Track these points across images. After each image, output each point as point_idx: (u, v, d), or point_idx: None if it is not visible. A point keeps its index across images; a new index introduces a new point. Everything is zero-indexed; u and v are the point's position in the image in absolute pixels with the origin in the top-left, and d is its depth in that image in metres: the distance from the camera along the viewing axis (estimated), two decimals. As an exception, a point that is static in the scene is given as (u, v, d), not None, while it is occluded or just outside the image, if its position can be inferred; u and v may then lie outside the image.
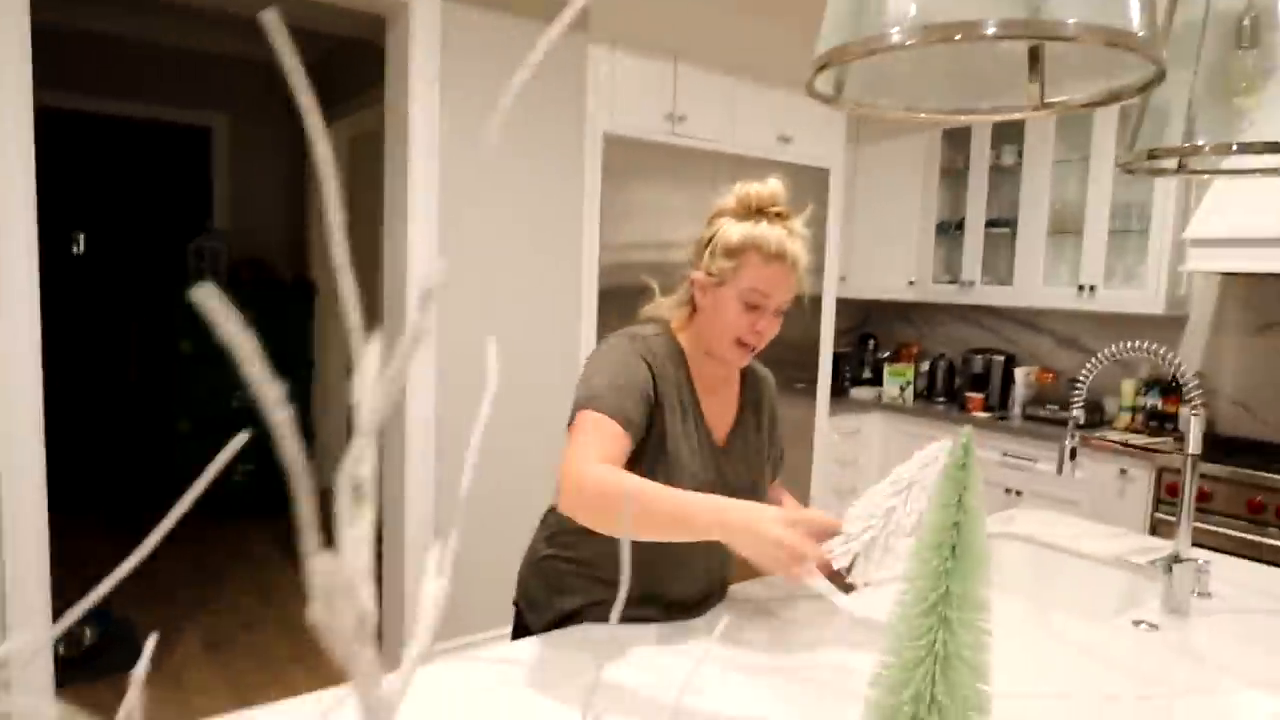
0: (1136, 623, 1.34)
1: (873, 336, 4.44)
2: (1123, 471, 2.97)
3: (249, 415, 4.50)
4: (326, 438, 5.06)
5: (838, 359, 3.99)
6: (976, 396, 3.71)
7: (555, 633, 1.25)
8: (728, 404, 1.37)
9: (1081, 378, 1.60)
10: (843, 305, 4.04)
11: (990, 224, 3.76)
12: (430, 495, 2.71)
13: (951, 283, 3.90)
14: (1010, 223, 3.69)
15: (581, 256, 3.01)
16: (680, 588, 1.31)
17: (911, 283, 4.04)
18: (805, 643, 1.24)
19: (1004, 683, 1.10)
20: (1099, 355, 1.56)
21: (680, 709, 1.04)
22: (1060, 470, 1.51)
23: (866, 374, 4.29)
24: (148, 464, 4.64)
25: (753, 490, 1.36)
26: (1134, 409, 3.34)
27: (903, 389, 3.97)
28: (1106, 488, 3.03)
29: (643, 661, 1.14)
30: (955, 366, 4.02)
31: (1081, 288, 3.39)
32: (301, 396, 4.77)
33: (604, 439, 1.16)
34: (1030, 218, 3.58)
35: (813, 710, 1.04)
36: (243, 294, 4.53)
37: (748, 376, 1.42)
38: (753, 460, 1.38)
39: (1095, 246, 3.35)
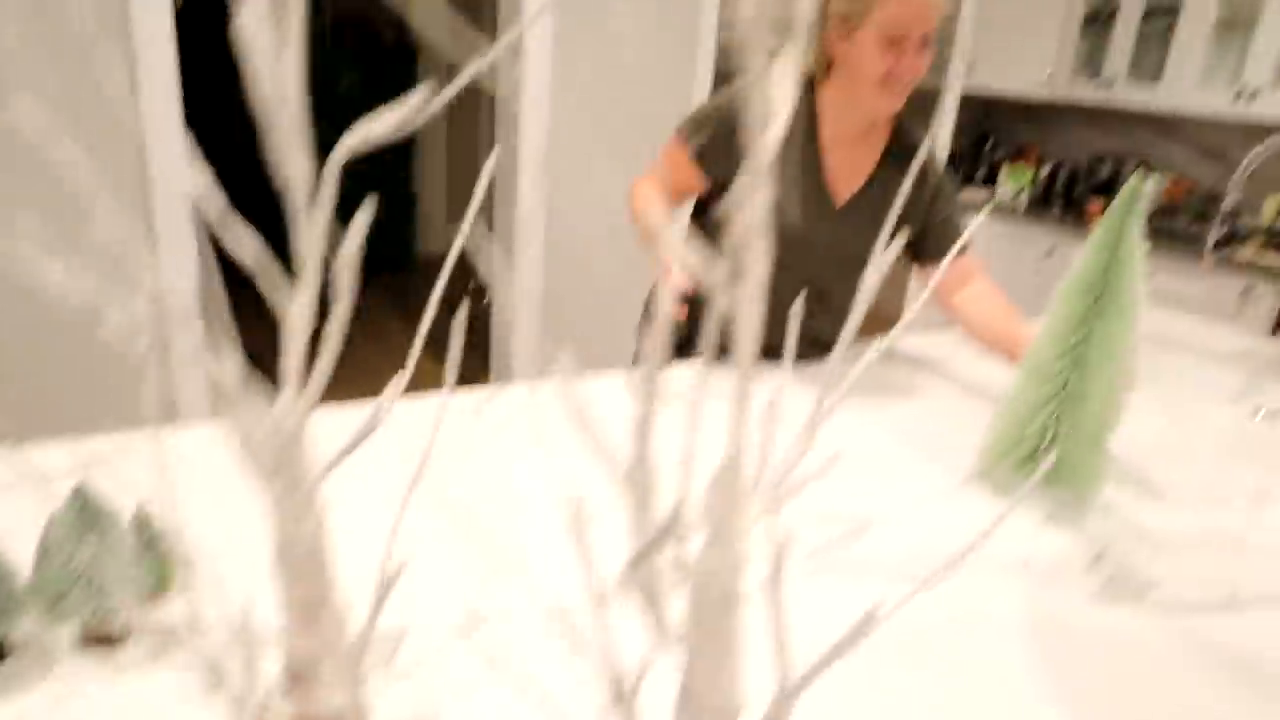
0: (1256, 410, 1.32)
1: (990, 135, 4.18)
2: (1246, 289, 2.83)
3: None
4: (429, 208, 5.17)
5: (950, 156, 3.79)
6: (1097, 203, 3.51)
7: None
8: (860, 164, 1.33)
9: (1235, 177, 1.50)
10: (963, 100, 3.78)
11: (1147, 15, 3.38)
12: (540, 271, 2.80)
13: (1092, 78, 3.57)
14: (1171, 11, 3.31)
15: (699, 32, 2.85)
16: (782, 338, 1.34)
17: (1047, 77, 3.72)
18: (918, 397, 1.27)
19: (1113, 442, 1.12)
20: (1259, 147, 1.45)
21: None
22: (1206, 253, 1.44)
23: (981, 174, 4.08)
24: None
25: (865, 255, 1.33)
26: (1271, 231, 3.13)
27: (1019, 192, 3.77)
28: (1225, 305, 2.90)
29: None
30: (1079, 174, 3.78)
31: (1240, 92, 3.07)
32: (403, 167, 4.81)
33: (669, 165, 1.37)
34: (1197, 5, 3.20)
35: (928, 446, 1.08)
36: (344, 56, 4.48)
37: (898, 141, 1.35)
38: (878, 225, 1.35)
39: (1268, 44, 3.00)
